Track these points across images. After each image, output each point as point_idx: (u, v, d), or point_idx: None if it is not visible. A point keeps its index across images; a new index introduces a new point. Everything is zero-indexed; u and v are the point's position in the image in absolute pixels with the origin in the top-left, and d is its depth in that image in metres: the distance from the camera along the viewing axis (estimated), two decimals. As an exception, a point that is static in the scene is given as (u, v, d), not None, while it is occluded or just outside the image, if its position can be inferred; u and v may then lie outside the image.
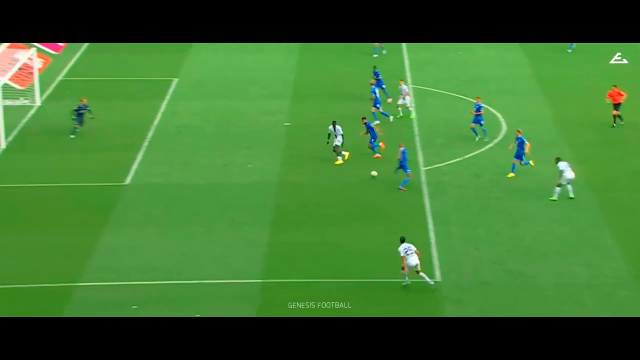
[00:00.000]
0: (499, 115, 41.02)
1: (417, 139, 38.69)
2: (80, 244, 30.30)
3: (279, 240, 30.67)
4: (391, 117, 40.06)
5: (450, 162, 35.96)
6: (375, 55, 48.06)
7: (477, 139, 37.71)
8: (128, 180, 35.13)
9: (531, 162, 34.66)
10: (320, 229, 31.40)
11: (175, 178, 35.40)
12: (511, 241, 30.63)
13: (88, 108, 38.11)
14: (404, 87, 40.43)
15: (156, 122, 40.75)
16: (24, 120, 40.68)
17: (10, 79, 40.01)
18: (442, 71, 46.59)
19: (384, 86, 41.63)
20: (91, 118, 38.18)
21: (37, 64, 42.89)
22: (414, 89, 44.27)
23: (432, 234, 31.05)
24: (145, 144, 38.43)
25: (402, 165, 33.94)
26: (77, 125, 37.85)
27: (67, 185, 34.69)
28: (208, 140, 38.88)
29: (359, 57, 47.95)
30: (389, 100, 41.22)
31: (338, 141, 36.17)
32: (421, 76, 45.81)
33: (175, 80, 45.87)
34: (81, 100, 38.02)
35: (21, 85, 41.30)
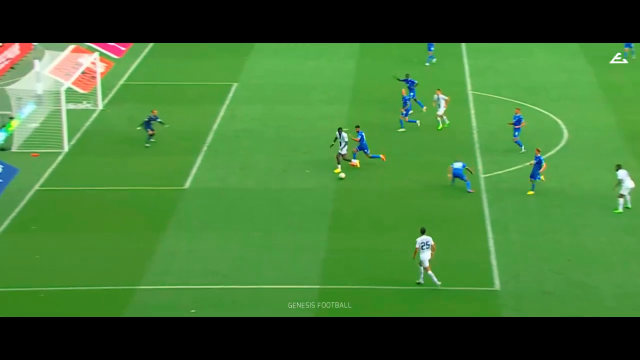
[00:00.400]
0: (560, 122, 40.64)
1: (477, 146, 38.50)
2: (141, 247, 30.67)
3: (337, 246, 30.72)
4: (418, 122, 39.76)
5: (510, 169, 35.73)
6: (427, 64, 47.96)
7: (522, 150, 37.08)
8: (187, 184, 35.46)
9: (542, 176, 33.89)
10: (377, 235, 31.39)
11: (234, 182, 35.65)
12: (573, 250, 30.33)
13: (159, 119, 38.13)
14: (441, 96, 39.97)
15: (215, 126, 41.08)
16: (87, 124, 41.26)
17: (73, 83, 40.67)
18: (503, 77, 46.29)
19: (414, 96, 41.00)
20: (167, 127, 38.26)
21: (100, 68, 43.55)
22: (474, 95, 44.08)
23: (491, 242, 30.88)
24: (205, 148, 38.76)
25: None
26: (151, 132, 37.92)
27: (127, 188, 35.11)
28: (267, 144, 39.09)
29: (416, 63, 47.91)
30: (424, 108, 40.70)
31: (343, 149, 35.98)
32: (481, 82, 45.57)
33: (235, 85, 46.16)
34: (152, 112, 38.07)
35: (84, 89, 41.96)
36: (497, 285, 28.41)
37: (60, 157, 37.83)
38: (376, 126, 40.08)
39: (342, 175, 35.34)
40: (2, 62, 47.20)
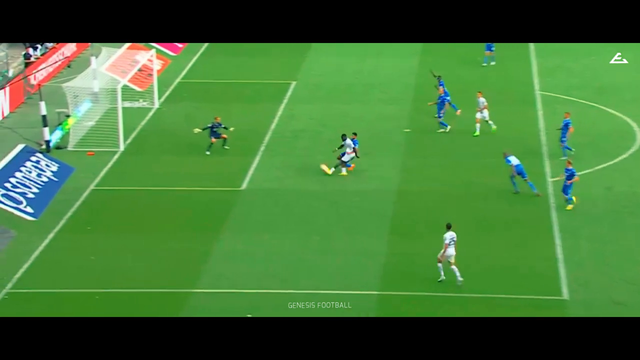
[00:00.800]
0: (633, 124, 39.85)
1: (545, 149, 37.92)
2: (196, 249, 30.66)
3: (397, 251, 30.43)
4: (448, 127, 39.23)
5: (580, 173, 35.11)
6: (484, 64, 47.44)
7: (572, 153, 36.23)
8: (244, 185, 35.45)
9: (574, 198, 32.84)
10: (440, 240, 31.01)
11: (292, 183, 35.57)
12: (645, 259, 29.76)
13: (222, 125, 37.91)
14: (482, 99, 39.21)
15: (273, 126, 41.05)
16: (143, 123, 41.45)
17: (129, 81, 40.90)
18: (573, 77, 45.58)
19: (449, 98, 40.13)
20: (232, 130, 38.20)
21: (156, 65, 43.77)
22: (542, 96, 43.46)
23: (559, 249, 30.34)
24: (262, 148, 38.74)
25: None
26: (214, 139, 37.79)
27: (183, 189, 35.19)
28: (325, 145, 38.91)
29: (479, 63, 47.45)
30: (458, 112, 39.96)
31: (347, 155, 35.59)
32: (551, 82, 44.91)
33: (293, 83, 46.10)
34: (215, 119, 37.82)
35: (140, 87, 42.21)
36: (565, 294, 27.89)
37: (116, 156, 38.09)
38: (438, 126, 39.79)
39: (326, 169, 35.46)
40: (59, 60, 47.74)
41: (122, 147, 38.74)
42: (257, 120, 41.53)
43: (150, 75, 43.23)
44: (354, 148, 35.83)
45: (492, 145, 38.07)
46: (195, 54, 50.00)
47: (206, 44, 51.17)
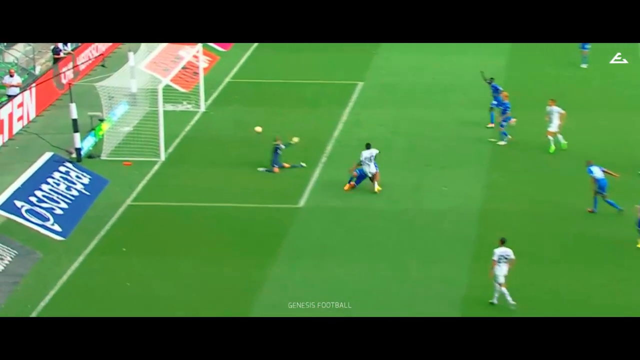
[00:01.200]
0: None
1: (651, 163, 37.47)
2: (247, 276, 30.63)
3: (481, 282, 30.02)
4: (509, 137, 39.02)
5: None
6: (584, 65, 47.05)
7: None
8: (302, 202, 35.41)
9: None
10: (530, 269, 30.62)
11: (358, 201, 35.45)
12: None
13: (286, 146, 37.68)
14: (555, 108, 38.55)
15: (336, 133, 41.04)
16: (187, 128, 41.68)
17: (172, 80, 41.11)
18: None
19: (496, 103, 40.45)
20: (296, 141, 37.97)
21: (203, 62, 44.01)
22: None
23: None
24: (323, 159, 38.71)
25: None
26: (275, 168, 37.42)
27: (232, 205, 35.25)
28: (397, 156, 38.79)
29: (573, 64, 47.07)
30: (491, 125, 40.35)
31: (371, 170, 35.48)
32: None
33: (360, 84, 46.11)
34: (276, 140, 37.78)
35: (184, 88, 42.42)
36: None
37: (156, 167, 38.29)
38: (527, 134, 39.31)
39: (258, 129, 36.77)
40: (92, 56, 48.23)
41: (163, 157, 38.95)
42: (317, 126, 41.53)
43: (196, 74, 43.47)
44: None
45: (591, 159, 37.63)
46: (247, 50, 50.27)
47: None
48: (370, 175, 35.73)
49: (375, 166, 35.72)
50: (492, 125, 40.59)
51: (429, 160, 38.49)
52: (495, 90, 41.07)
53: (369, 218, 34.27)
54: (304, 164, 37.37)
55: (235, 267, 31.16)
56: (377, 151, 35.97)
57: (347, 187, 35.94)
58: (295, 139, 38.08)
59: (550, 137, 38.61)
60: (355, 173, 35.97)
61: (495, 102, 40.65)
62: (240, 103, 44.15)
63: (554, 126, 38.53)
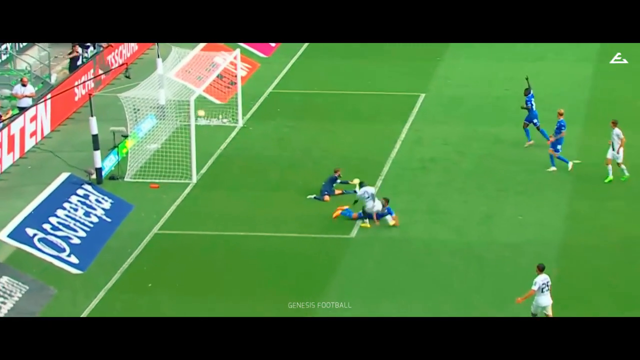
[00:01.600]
0: None
1: None
2: (293, 315, 30.34)
3: (562, 326, 29.90)
4: (570, 164, 38.81)
5: None
6: None
7: None
8: (354, 232, 35.35)
9: None
10: (619, 311, 30.38)
11: (418, 231, 35.36)
12: None
13: (343, 181, 37.71)
14: (616, 131, 37.81)
15: (394, 153, 40.96)
16: (223, 146, 41.74)
17: (206, 90, 41.30)
18: None
19: (535, 120, 40.81)
20: (354, 182, 37.91)
21: (242, 70, 44.16)
22: None
23: None
24: (379, 183, 38.63)
25: None
26: (326, 197, 37.43)
27: (274, 235, 35.26)
28: (464, 180, 38.67)
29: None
30: (530, 143, 40.61)
31: (376, 207, 35.40)
32: None
33: (422, 96, 46.04)
34: (336, 171, 37.66)
35: (220, 100, 42.58)
36: None
37: (187, 190, 38.41)
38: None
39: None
40: (115, 63, 48.55)
41: (194, 179, 39.07)
42: (372, 145, 41.52)
43: (234, 83, 43.63)
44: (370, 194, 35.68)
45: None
46: (292, 57, 50.36)
47: (306, 43, 51.41)
48: (371, 212, 35.39)
49: (389, 210, 35.46)
50: (531, 142, 40.74)
51: (502, 185, 38.30)
52: (529, 100, 40.97)
53: (430, 251, 34.15)
54: (357, 191, 37.32)
55: (277, 307, 31.06)
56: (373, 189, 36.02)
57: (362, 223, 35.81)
58: (355, 180, 37.53)
59: (609, 166, 38.00)
60: (338, 213, 35.87)
61: (533, 120, 40.75)
62: (284, 117, 44.20)
63: (613, 153, 37.87)
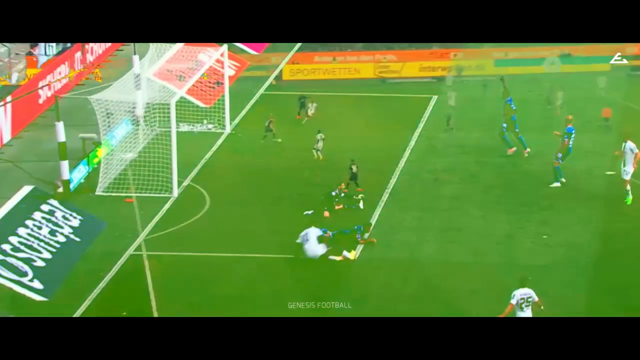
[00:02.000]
0: None
1: None
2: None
3: None
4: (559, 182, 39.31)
5: None
6: None
7: None
8: (357, 253, 35.43)
9: None
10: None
11: (432, 252, 35.41)
12: None
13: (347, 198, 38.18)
14: (630, 145, 37.81)
15: (402, 162, 41.06)
16: (207, 156, 41.90)
17: (188, 92, 41.33)
18: None
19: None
20: (360, 197, 38.35)
21: (230, 69, 44.22)
22: None
23: None
24: (385, 196, 38.76)
25: None
26: (326, 212, 37.66)
27: (265, 256, 35.26)
28: (482, 193, 38.84)
29: None
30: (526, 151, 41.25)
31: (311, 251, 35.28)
32: None
33: (435, 97, 46.28)
34: (341, 185, 37.98)
35: (205, 102, 42.63)
36: None
37: (167, 206, 38.46)
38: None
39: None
40: (86, 63, 48.66)
41: (175, 192, 39.13)
42: (379, 153, 41.67)
43: (220, 83, 43.69)
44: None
45: None
46: (285, 53, 50.39)
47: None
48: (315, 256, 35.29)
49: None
50: (527, 151, 41.38)
51: (525, 199, 38.43)
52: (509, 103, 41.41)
53: (444, 273, 34.15)
54: (362, 205, 37.37)
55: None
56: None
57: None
58: (361, 196, 38.04)
59: (628, 187, 37.97)
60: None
61: (505, 125, 41.29)
62: (277, 122, 44.26)
63: (626, 170, 37.89)
